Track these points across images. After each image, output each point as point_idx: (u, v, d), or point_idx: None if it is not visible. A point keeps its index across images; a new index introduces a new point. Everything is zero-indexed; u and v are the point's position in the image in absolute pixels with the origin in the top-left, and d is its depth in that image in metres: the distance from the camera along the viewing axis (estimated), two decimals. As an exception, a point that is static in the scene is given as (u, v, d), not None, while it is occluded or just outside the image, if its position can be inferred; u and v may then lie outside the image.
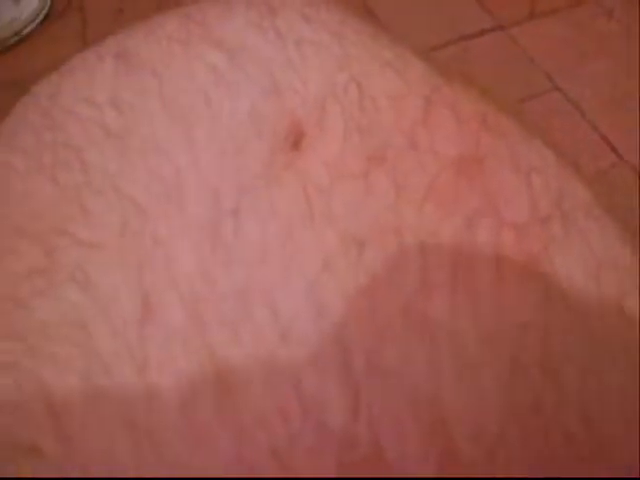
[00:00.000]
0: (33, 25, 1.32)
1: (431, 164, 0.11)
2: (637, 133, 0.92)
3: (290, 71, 0.12)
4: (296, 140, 0.12)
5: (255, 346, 0.09)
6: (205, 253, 0.10)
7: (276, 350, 0.09)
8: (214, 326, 0.10)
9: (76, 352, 0.10)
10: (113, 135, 0.12)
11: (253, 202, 0.11)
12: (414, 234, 0.10)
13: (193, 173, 0.11)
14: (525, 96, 1.02)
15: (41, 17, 1.33)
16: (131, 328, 0.10)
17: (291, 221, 0.10)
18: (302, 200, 0.11)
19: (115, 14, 1.32)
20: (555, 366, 0.10)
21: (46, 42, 1.34)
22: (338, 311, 0.10)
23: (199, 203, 0.11)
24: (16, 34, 1.31)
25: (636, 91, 0.98)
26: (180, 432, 0.09)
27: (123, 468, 0.09)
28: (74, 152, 0.12)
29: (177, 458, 0.09)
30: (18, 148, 0.13)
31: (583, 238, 0.11)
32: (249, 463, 0.09)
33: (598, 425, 0.10)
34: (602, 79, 1.02)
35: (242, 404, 0.09)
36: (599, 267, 0.11)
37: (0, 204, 0.12)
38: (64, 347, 0.10)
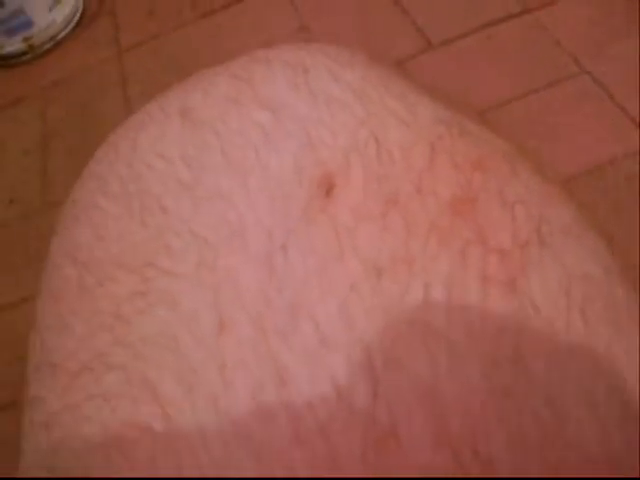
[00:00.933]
0: (67, 30, 1.36)
1: (432, 205, 0.14)
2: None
3: (322, 127, 0.15)
4: (328, 189, 0.14)
5: (302, 349, 0.12)
6: (264, 280, 0.13)
7: (317, 352, 0.12)
8: (272, 335, 0.13)
9: (170, 356, 0.13)
10: (184, 185, 0.15)
11: (297, 239, 0.14)
12: (419, 263, 0.13)
13: (251, 216, 0.14)
14: (553, 80, 1.02)
15: (74, 22, 1.37)
16: (210, 339, 0.13)
17: (325, 254, 0.13)
18: (333, 237, 0.14)
19: (146, 16, 1.36)
20: (525, 361, 0.12)
21: (80, 46, 1.38)
22: (363, 323, 0.13)
23: (257, 241, 0.14)
24: (51, 39, 1.35)
25: (665, 72, 0.97)
26: (251, 412, 0.12)
27: (207, 442, 0.12)
28: (155, 200, 0.15)
29: (248, 431, 0.12)
30: (109, 194, 0.16)
31: (557, 258, 0.14)
32: (301, 436, 0.12)
33: (561, 407, 0.12)
34: (630, 60, 1.02)
35: (295, 392, 0.12)
36: (569, 281, 0.14)
37: (98, 241, 0.15)
38: (161, 353, 0.13)
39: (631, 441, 0.13)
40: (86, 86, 1.34)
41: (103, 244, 0.15)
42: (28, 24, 1.31)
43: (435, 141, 0.15)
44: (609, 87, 1.01)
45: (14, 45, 1.33)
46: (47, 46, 1.36)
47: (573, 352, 0.13)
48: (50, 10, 1.33)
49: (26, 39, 1.32)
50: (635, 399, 0.13)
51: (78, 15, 1.38)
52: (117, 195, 0.16)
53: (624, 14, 1.10)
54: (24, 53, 1.35)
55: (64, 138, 1.31)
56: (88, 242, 0.16)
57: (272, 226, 0.14)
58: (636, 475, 0.12)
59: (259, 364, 0.12)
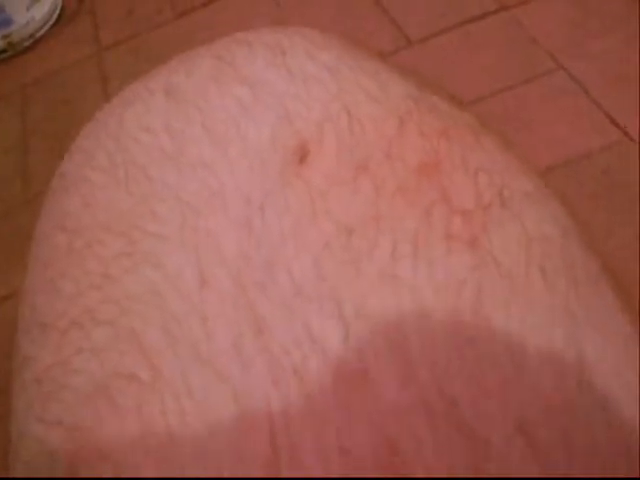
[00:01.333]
0: (46, 28, 1.35)
1: (400, 169, 0.15)
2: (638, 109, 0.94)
3: (298, 102, 0.16)
4: (302, 156, 0.15)
5: (279, 300, 0.13)
6: (243, 239, 0.14)
7: (293, 302, 0.13)
8: (251, 288, 0.14)
9: (155, 311, 0.14)
10: (168, 155, 0.16)
11: (273, 201, 0.15)
12: (387, 221, 0.14)
13: (231, 182, 0.15)
14: (530, 76, 1.04)
15: (53, 20, 1.37)
16: (193, 294, 0.14)
17: (300, 215, 0.14)
18: (307, 199, 0.15)
19: (126, 14, 1.36)
20: (485, 311, 0.13)
21: (60, 44, 1.38)
22: (334, 276, 0.14)
23: (236, 204, 0.15)
24: (30, 37, 1.35)
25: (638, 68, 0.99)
26: (231, 359, 0.13)
27: (190, 388, 0.13)
28: (141, 170, 0.16)
29: (228, 376, 0.13)
30: (96, 167, 0.17)
31: (517, 219, 0.15)
32: (278, 378, 0.13)
33: (520, 355, 0.13)
34: (606, 57, 1.04)
35: (271, 339, 0.13)
36: (529, 240, 0.15)
37: (86, 209, 0.16)
38: (147, 308, 0.14)
39: (585, 387, 0.14)
40: (66, 84, 1.34)
41: (91, 211, 0.16)
42: (7, 22, 1.30)
43: (404, 115, 0.16)
44: (585, 83, 1.03)
45: (-7, 43, 1.33)
46: (26, 44, 1.35)
47: (532, 304, 0.14)
48: (29, 8, 1.33)
49: (5, 37, 1.32)
50: (591, 349, 0.14)
51: (57, 13, 1.37)
52: (104, 167, 0.17)
53: (599, 11, 1.11)
54: (3, 51, 1.34)
55: (44, 136, 1.31)
56: (77, 211, 0.17)
57: (250, 190, 0.15)
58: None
59: (238, 315, 0.13)
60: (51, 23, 1.36)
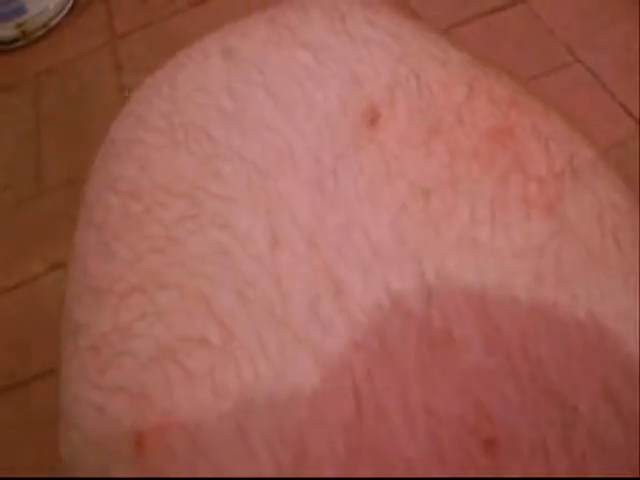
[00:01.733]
0: (60, 16, 1.35)
1: (473, 134, 0.15)
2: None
3: (364, 66, 0.16)
4: (373, 119, 0.15)
5: (356, 262, 0.13)
6: (315, 201, 0.14)
7: (371, 264, 0.13)
8: (326, 249, 0.13)
9: (225, 273, 0.13)
10: (230, 117, 0.16)
11: (345, 164, 0.14)
12: (464, 185, 0.14)
13: (300, 144, 0.15)
14: (548, 69, 1.04)
15: (67, 9, 1.37)
16: (265, 255, 0.13)
17: (374, 177, 0.14)
18: (381, 162, 0.14)
19: (139, 4, 1.35)
20: (566, 277, 0.13)
21: (74, 33, 1.37)
22: (413, 238, 0.13)
23: (306, 166, 0.14)
24: (44, 25, 1.34)
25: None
26: (309, 320, 0.12)
27: (266, 350, 0.12)
28: (201, 130, 0.16)
29: (307, 338, 0.13)
30: (150, 129, 0.17)
31: (589, 188, 0.15)
32: (359, 340, 0.12)
33: (602, 322, 0.13)
34: (621, 49, 1.03)
35: (351, 301, 0.13)
36: (602, 210, 0.14)
37: (141, 172, 0.16)
38: (216, 270, 0.14)
39: None
40: (80, 73, 1.34)
41: (147, 174, 0.16)
42: (21, 10, 1.30)
43: (472, 81, 0.16)
44: (601, 76, 1.03)
45: (7, 31, 1.33)
46: (40, 33, 1.35)
47: (609, 271, 0.14)
48: (42, -3, 1.33)
49: (19, 25, 1.32)
50: None
51: (71, 2, 1.37)
52: (159, 128, 0.17)
53: (614, 3, 1.11)
54: (17, 40, 1.34)
55: (58, 125, 1.30)
56: (131, 174, 0.16)
57: (320, 152, 0.15)
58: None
59: (314, 276, 0.13)
60: (65, 12, 1.36)
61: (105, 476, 0.13)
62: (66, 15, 1.37)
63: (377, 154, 0.14)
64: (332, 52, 0.17)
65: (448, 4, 1.15)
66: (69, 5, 1.37)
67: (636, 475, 0.12)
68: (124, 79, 1.29)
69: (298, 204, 0.14)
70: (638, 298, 0.14)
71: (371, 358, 0.12)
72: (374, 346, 0.12)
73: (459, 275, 0.13)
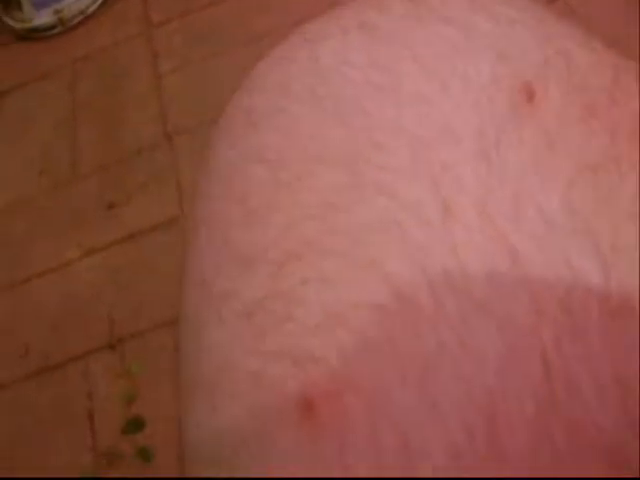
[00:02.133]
0: (97, 4, 1.36)
1: (628, 115, 0.15)
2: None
3: (511, 44, 0.16)
4: (529, 97, 0.15)
5: (531, 232, 0.13)
6: (482, 172, 0.14)
7: (546, 235, 0.13)
8: (499, 219, 0.13)
9: (395, 240, 0.14)
10: (381, 90, 0.16)
11: (508, 137, 0.14)
12: (627, 162, 0.14)
13: (459, 117, 0.15)
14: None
15: (104, -4, 1.38)
16: (437, 223, 0.13)
17: (538, 152, 0.14)
18: (543, 136, 0.14)
19: (176, -7, 1.36)
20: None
21: (109, 21, 1.38)
22: (586, 211, 0.14)
23: (468, 137, 0.15)
24: (81, 13, 1.35)
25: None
26: (489, 288, 0.13)
27: (447, 317, 0.13)
28: (353, 102, 0.16)
29: (488, 305, 0.13)
30: (295, 99, 0.16)
31: None
32: (543, 310, 0.13)
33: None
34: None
35: (529, 271, 0.13)
36: None
37: (288, 141, 0.16)
38: (384, 238, 0.14)
39: None
40: (116, 60, 1.35)
41: (294, 143, 0.16)
42: (60, -3, 1.31)
43: (617, 62, 0.16)
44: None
45: (44, 18, 1.34)
46: (77, 20, 1.36)
47: None
48: (79, -16, 1.33)
49: (57, 12, 1.33)
50: None
51: (108, -10, 1.38)
52: (304, 99, 0.16)
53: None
54: (54, 26, 1.35)
55: (93, 111, 1.32)
56: (275, 143, 0.16)
57: (481, 125, 0.15)
58: None
59: (489, 245, 0.13)
60: (102, 0, 1.36)
61: (266, 442, 0.13)
62: (103, 3, 1.37)
63: (539, 129, 0.15)
64: (476, 29, 0.17)
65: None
66: (106, -7, 1.38)
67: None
68: (160, 68, 1.30)
69: (465, 174, 0.14)
70: None
71: (556, 327, 0.12)
72: (558, 316, 0.13)
73: (634, 251, 0.13)
